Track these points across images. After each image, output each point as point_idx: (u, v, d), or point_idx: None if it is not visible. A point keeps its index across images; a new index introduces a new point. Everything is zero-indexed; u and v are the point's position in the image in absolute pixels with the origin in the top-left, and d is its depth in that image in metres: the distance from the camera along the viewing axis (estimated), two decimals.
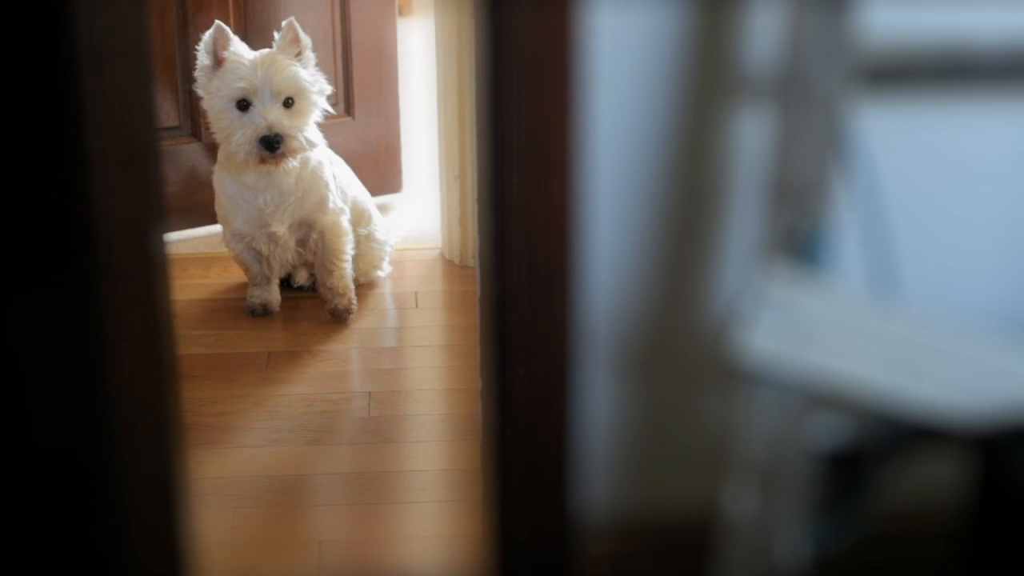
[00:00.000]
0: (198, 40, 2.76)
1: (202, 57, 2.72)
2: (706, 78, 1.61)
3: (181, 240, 3.25)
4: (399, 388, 2.57)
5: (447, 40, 3.02)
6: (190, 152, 3.26)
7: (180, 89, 3.20)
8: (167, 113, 3.20)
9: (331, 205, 2.84)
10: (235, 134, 2.66)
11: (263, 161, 2.67)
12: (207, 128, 3.23)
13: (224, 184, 2.81)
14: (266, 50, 2.73)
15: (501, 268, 1.61)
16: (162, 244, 0.97)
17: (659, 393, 1.75)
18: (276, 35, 2.74)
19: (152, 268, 0.97)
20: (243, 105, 2.66)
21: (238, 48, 2.71)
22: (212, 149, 3.24)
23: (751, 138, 1.63)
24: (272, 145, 2.63)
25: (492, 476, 1.76)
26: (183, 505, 1.11)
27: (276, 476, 2.26)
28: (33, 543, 1.08)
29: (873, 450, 1.45)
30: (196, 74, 2.74)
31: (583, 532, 1.73)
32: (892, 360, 1.31)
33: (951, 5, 1.56)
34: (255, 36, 3.22)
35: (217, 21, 2.72)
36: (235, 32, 2.78)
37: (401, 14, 5.47)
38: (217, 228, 3.16)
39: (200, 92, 2.75)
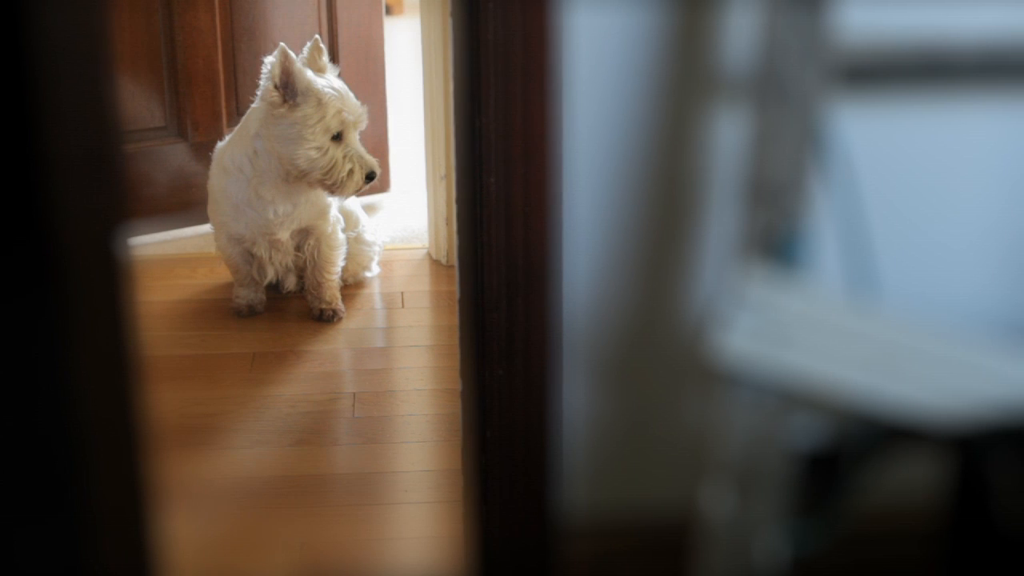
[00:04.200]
0: (183, 40, 2.73)
1: (266, 83, 2.66)
2: (683, 78, 1.61)
3: (167, 240, 3.24)
4: (384, 389, 2.57)
5: (433, 40, 3.01)
6: (176, 152, 3.25)
7: (166, 89, 3.19)
8: (153, 113, 3.19)
9: (331, 214, 2.85)
10: (339, 166, 2.69)
11: (358, 190, 2.77)
12: (193, 128, 3.23)
13: (229, 193, 2.77)
14: (334, 78, 2.72)
15: (479, 268, 1.61)
16: (126, 248, 0.97)
17: (637, 393, 1.75)
18: (304, 50, 2.70)
19: (116, 272, 0.97)
20: (336, 136, 2.70)
21: (330, 78, 2.71)
22: (198, 149, 3.24)
23: (728, 138, 1.62)
24: (373, 178, 2.76)
25: (473, 477, 1.76)
26: (151, 511, 1.10)
27: (260, 477, 2.26)
28: None
29: (851, 450, 1.44)
30: (262, 96, 2.68)
31: (563, 532, 1.73)
32: (869, 360, 1.30)
33: (927, 4, 1.56)
34: (240, 36, 3.22)
35: (281, 44, 2.65)
36: (221, 32, 2.76)
37: (392, 14, 5.47)
38: (203, 228, 3.16)
39: (266, 114, 2.67)
